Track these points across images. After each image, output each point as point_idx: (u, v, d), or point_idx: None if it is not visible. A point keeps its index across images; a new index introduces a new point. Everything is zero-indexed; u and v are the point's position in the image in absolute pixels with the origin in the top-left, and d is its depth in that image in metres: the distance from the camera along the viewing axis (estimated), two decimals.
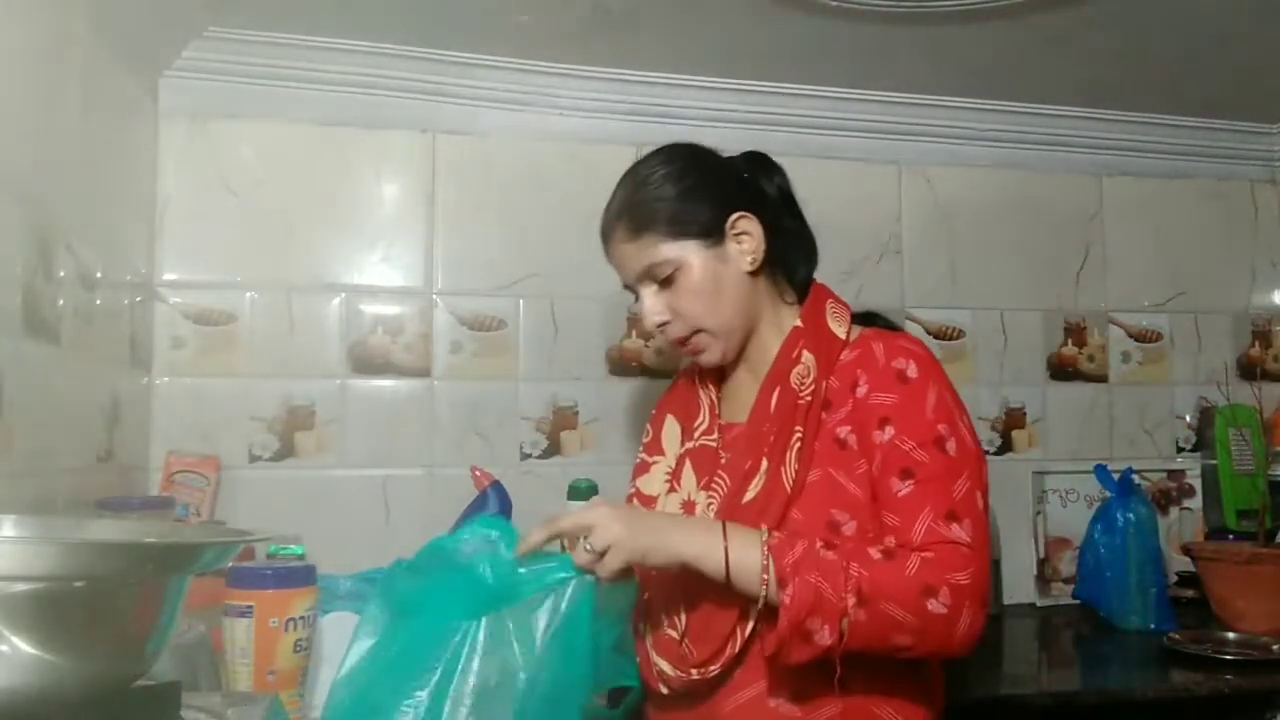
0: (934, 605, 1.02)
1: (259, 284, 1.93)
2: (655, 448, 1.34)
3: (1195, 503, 2.31)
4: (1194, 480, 2.32)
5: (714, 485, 1.21)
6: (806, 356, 1.18)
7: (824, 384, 1.16)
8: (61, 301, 1.38)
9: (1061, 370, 2.33)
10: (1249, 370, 2.41)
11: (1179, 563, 2.11)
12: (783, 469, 1.13)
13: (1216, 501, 2.25)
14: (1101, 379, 2.35)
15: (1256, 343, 2.46)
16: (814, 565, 1.02)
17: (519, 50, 1.97)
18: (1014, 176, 2.32)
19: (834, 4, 1.74)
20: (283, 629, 1.24)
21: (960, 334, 2.27)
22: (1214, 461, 2.26)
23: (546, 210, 2.06)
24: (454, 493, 1.89)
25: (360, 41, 1.92)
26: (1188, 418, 2.39)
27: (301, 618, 1.26)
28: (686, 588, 1.15)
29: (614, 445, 2.07)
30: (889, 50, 1.95)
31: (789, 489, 1.12)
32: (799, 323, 1.23)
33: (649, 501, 1.29)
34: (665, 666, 1.18)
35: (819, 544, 1.05)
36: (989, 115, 2.26)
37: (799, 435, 1.14)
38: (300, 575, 1.29)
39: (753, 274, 1.23)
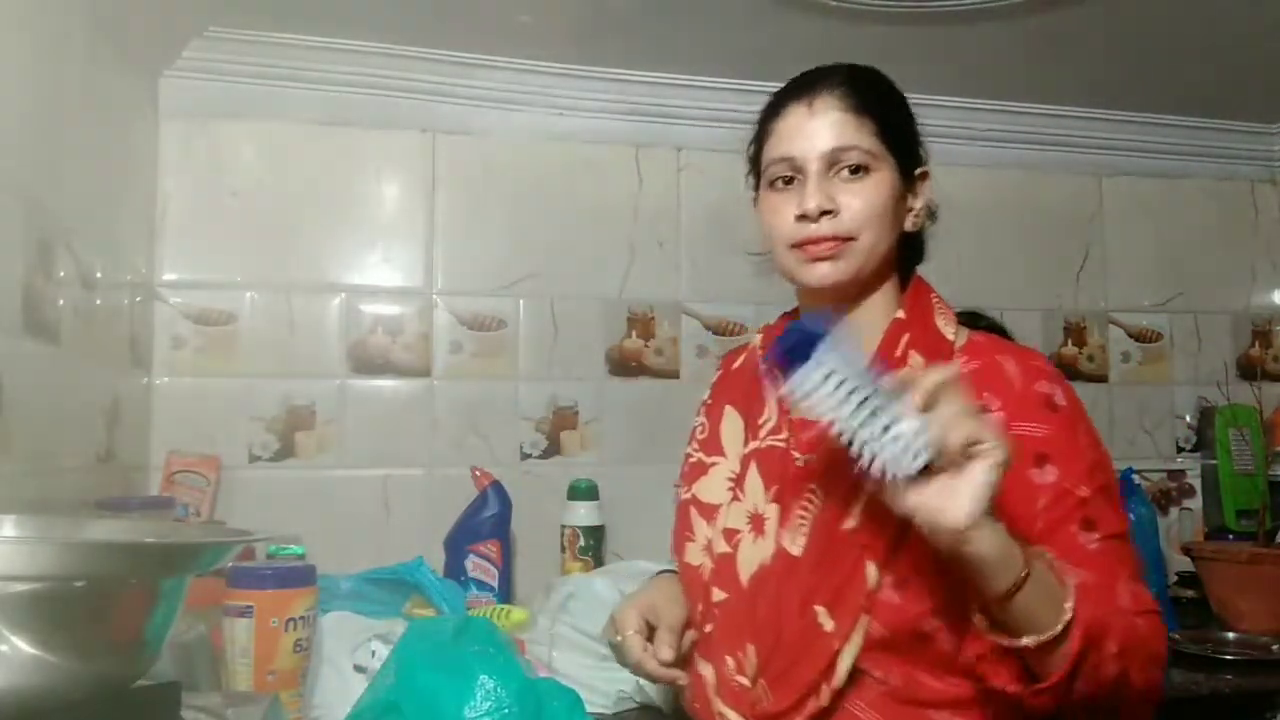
0: (1156, 675, 0.92)
1: (259, 284, 1.93)
2: (714, 445, 1.14)
3: (1195, 503, 2.30)
4: (1194, 480, 2.32)
5: (805, 502, 1.01)
6: (915, 359, 1.02)
7: None
8: (61, 301, 1.38)
9: (1061, 370, 2.32)
10: (1249, 370, 2.41)
11: (1179, 563, 2.11)
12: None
13: (1216, 501, 2.25)
14: (1101, 379, 2.35)
15: (1256, 343, 2.45)
16: (1105, 624, 0.87)
17: (519, 50, 1.97)
18: (1014, 176, 2.32)
19: (834, 4, 1.74)
20: (283, 629, 1.23)
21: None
22: (1214, 461, 2.25)
23: (546, 210, 2.06)
24: (454, 493, 1.89)
25: (360, 41, 1.92)
26: (1188, 418, 2.39)
27: (301, 618, 1.26)
28: (763, 617, 0.99)
29: (614, 445, 2.07)
30: (889, 50, 1.93)
31: (899, 520, 0.91)
32: (900, 313, 1.07)
33: (711, 511, 1.09)
34: (733, 717, 1.00)
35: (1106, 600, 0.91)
36: (989, 115, 2.26)
37: None
38: (300, 575, 1.29)
39: (903, 233, 1.09)
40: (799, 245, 1.04)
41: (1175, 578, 2.12)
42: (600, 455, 2.05)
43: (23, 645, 0.70)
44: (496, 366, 2.02)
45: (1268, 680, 1.57)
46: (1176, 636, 1.75)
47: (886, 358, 1.02)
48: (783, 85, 1.13)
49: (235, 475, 1.87)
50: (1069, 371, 2.33)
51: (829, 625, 0.95)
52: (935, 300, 1.10)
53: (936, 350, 1.03)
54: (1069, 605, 0.85)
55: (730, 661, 1.01)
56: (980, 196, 2.30)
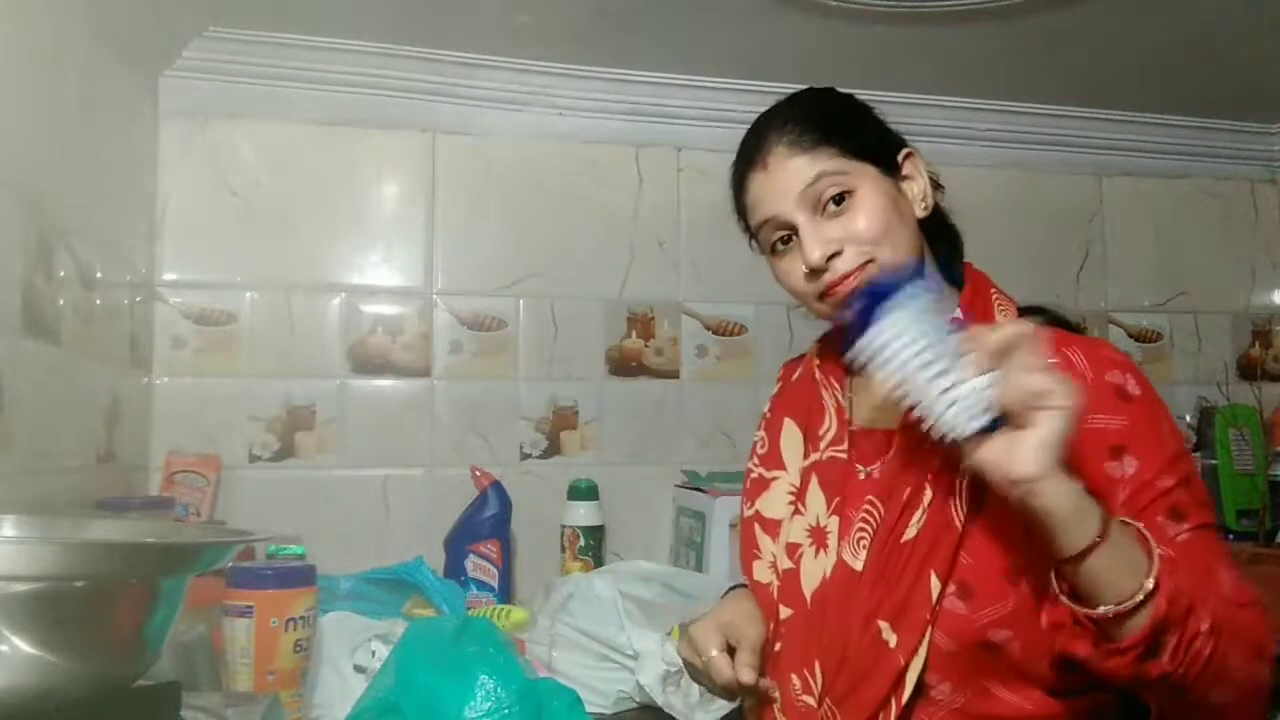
0: (1260, 667, 0.86)
1: (259, 284, 1.93)
2: (774, 460, 1.11)
3: None
4: None
5: (865, 514, 0.98)
6: None
7: None
8: (61, 301, 1.37)
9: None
10: (1249, 370, 2.41)
11: None
12: (953, 501, 0.92)
13: (1217, 501, 2.25)
14: None
15: (1256, 343, 2.45)
16: (1175, 571, 0.82)
17: (519, 50, 1.97)
18: (1014, 176, 2.32)
19: (834, 4, 1.74)
20: (283, 629, 1.24)
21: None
22: (1214, 461, 2.25)
23: (546, 210, 2.06)
24: (454, 493, 1.89)
25: (360, 41, 1.92)
26: (1188, 418, 2.39)
27: (301, 618, 1.26)
28: (828, 634, 0.97)
29: (614, 445, 2.07)
30: (889, 50, 1.95)
31: (960, 527, 0.91)
32: (958, 312, 1.02)
33: (774, 527, 1.07)
34: None
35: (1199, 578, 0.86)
36: (989, 115, 2.26)
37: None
38: (300, 575, 1.29)
39: (920, 222, 1.04)
40: (824, 295, 1.01)
41: None
42: (600, 455, 2.05)
43: (23, 645, 0.70)
44: (496, 366, 2.02)
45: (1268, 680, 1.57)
46: None
47: None
48: (736, 154, 1.09)
49: (235, 475, 1.87)
50: None
51: (893, 641, 0.92)
52: (995, 295, 1.06)
53: None
54: (1152, 576, 0.80)
55: (796, 681, 0.99)
56: (980, 196, 2.30)
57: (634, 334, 2.10)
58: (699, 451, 2.10)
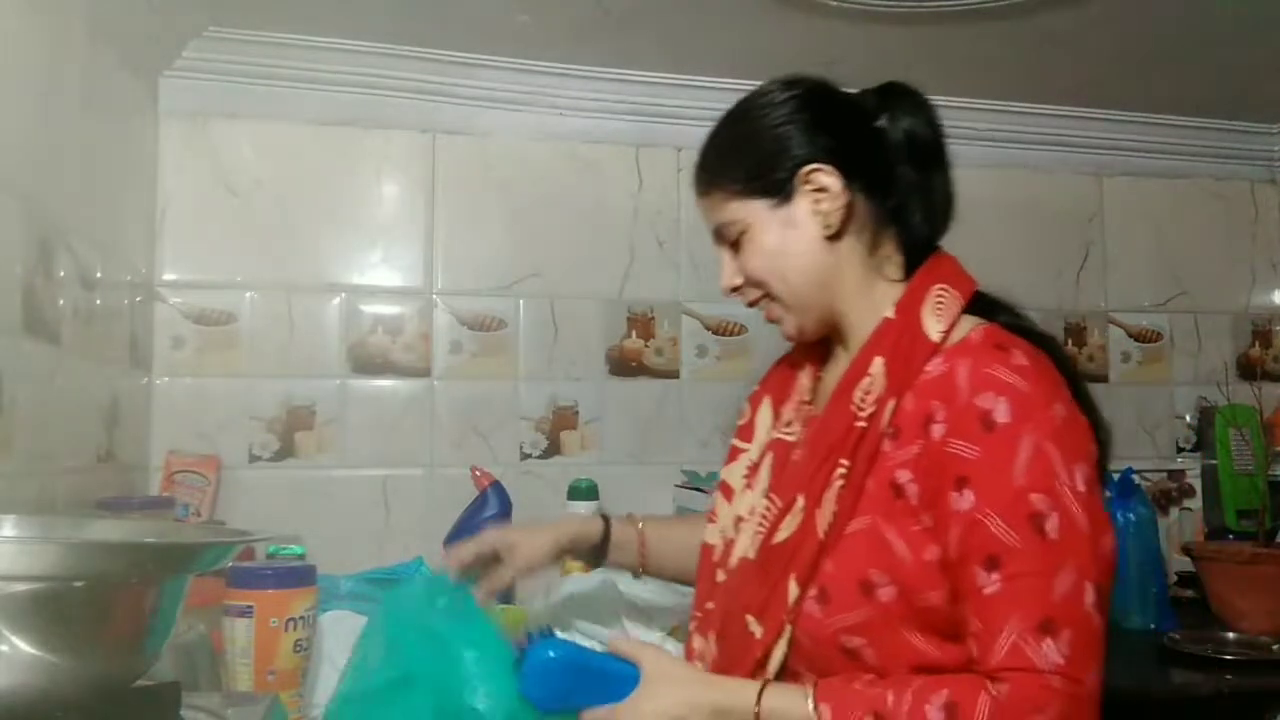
0: None
1: (259, 284, 1.93)
2: (747, 432, 1.17)
3: (1195, 503, 2.30)
4: (1194, 480, 2.32)
5: (765, 509, 1.03)
6: (876, 365, 0.97)
7: (892, 404, 0.94)
8: (61, 301, 1.37)
9: None
10: (1249, 370, 2.41)
11: (1179, 563, 2.11)
12: (818, 512, 0.95)
13: (1216, 501, 2.25)
14: (1101, 379, 2.35)
15: (1256, 343, 2.46)
16: None
17: (519, 50, 1.97)
18: (1014, 176, 2.32)
19: (834, 4, 1.74)
20: (283, 629, 1.23)
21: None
22: (1214, 461, 2.25)
23: (546, 210, 2.06)
24: (454, 493, 1.89)
25: (360, 41, 1.92)
26: (1188, 418, 2.39)
27: (301, 618, 1.26)
28: (721, 612, 1.06)
29: (614, 445, 2.07)
30: (889, 50, 1.94)
31: (821, 537, 0.94)
32: (891, 311, 1.00)
33: (730, 494, 1.13)
34: None
35: (870, 716, 0.87)
36: (989, 115, 2.26)
37: (843, 472, 0.94)
38: (300, 575, 1.29)
39: (832, 238, 1.02)
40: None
41: (1175, 578, 2.12)
42: (600, 455, 2.05)
43: (23, 645, 0.70)
44: (496, 366, 2.02)
45: (1268, 680, 1.57)
46: (1177, 636, 1.75)
47: (857, 365, 1.00)
48: None
49: (235, 475, 1.87)
50: None
51: (757, 631, 0.97)
52: (937, 291, 1.00)
53: (909, 352, 0.96)
54: None
55: (701, 640, 1.08)
56: (980, 196, 2.29)
57: (634, 334, 2.10)
58: (699, 451, 2.09)
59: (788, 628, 0.95)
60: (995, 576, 0.87)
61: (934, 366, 0.94)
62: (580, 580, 1.58)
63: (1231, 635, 1.76)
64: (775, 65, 2.04)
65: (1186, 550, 1.96)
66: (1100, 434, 0.96)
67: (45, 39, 1.33)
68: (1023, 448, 0.88)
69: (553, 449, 2.04)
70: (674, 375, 2.11)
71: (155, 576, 0.80)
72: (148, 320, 1.85)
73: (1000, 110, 2.26)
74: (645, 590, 1.56)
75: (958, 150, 2.53)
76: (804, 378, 1.13)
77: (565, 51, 1.98)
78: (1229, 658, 1.64)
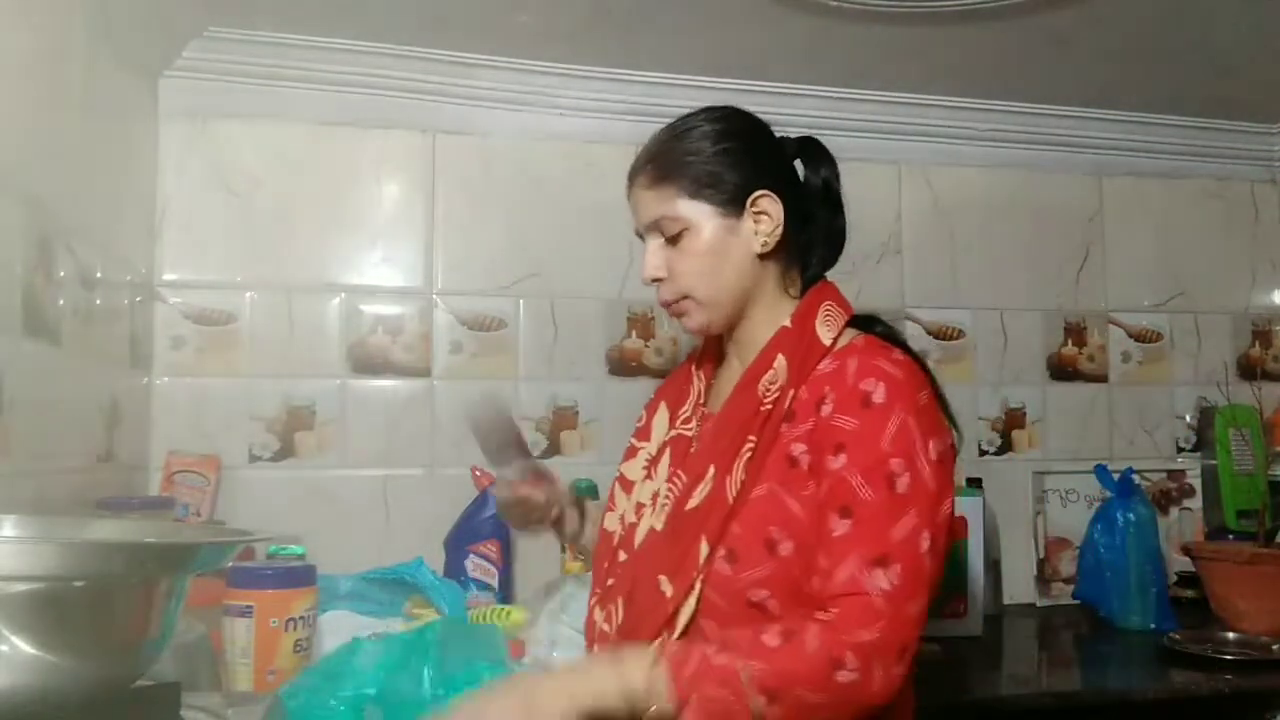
0: (843, 675, 0.96)
1: (259, 284, 1.93)
2: (644, 433, 1.31)
3: (1195, 503, 2.31)
4: (1194, 480, 2.32)
5: (673, 481, 1.18)
6: (780, 361, 1.14)
7: (791, 393, 1.11)
8: (61, 301, 1.38)
9: (1061, 370, 2.33)
10: (1249, 370, 2.41)
11: (1179, 563, 2.11)
12: (728, 479, 1.09)
13: (1216, 501, 2.25)
14: (1101, 379, 2.35)
15: (1256, 343, 2.45)
16: (710, 676, 0.96)
17: (519, 50, 1.97)
18: (1014, 176, 2.32)
19: (834, 4, 1.74)
20: (283, 629, 1.24)
21: (960, 334, 2.27)
22: (1214, 461, 2.26)
23: (546, 210, 2.06)
24: (454, 493, 1.89)
25: (360, 41, 1.92)
26: (1188, 418, 2.39)
27: (301, 618, 1.26)
28: (631, 579, 1.16)
29: (614, 445, 2.05)
30: (889, 50, 1.95)
31: (730, 501, 1.08)
32: (788, 321, 1.18)
33: (630, 487, 1.26)
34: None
35: (712, 649, 0.98)
36: (989, 115, 2.26)
37: (751, 445, 1.09)
38: (300, 575, 1.29)
39: (762, 256, 1.17)
40: (660, 303, 1.23)
41: (1175, 578, 2.12)
42: (600, 455, 2.05)
43: (23, 645, 0.70)
44: (496, 366, 2.02)
45: (1268, 680, 1.57)
46: (1177, 636, 1.75)
47: (764, 360, 1.15)
48: None
49: (235, 475, 1.87)
50: (1069, 372, 2.33)
51: (669, 591, 1.08)
52: (825, 306, 1.18)
53: (806, 353, 1.13)
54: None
55: (602, 612, 1.19)
56: (980, 196, 2.30)
57: (634, 334, 2.10)
58: None
59: (698, 585, 1.07)
60: (846, 522, 1.02)
61: (825, 365, 1.12)
62: (580, 580, 1.58)
63: (1231, 635, 1.76)
64: (775, 65, 2.05)
65: (1186, 550, 1.96)
66: (954, 425, 1.14)
67: (45, 39, 1.33)
68: (891, 422, 1.05)
69: (553, 449, 2.04)
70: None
71: (155, 576, 0.80)
72: (148, 320, 1.85)
73: (1000, 110, 2.26)
74: None
75: (958, 150, 2.53)
76: (698, 384, 1.28)
77: (565, 51, 1.98)
78: (1229, 658, 1.64)
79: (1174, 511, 2.30)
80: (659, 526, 1.16)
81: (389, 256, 1.99)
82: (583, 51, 1.98)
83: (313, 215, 1.96)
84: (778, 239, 1.17)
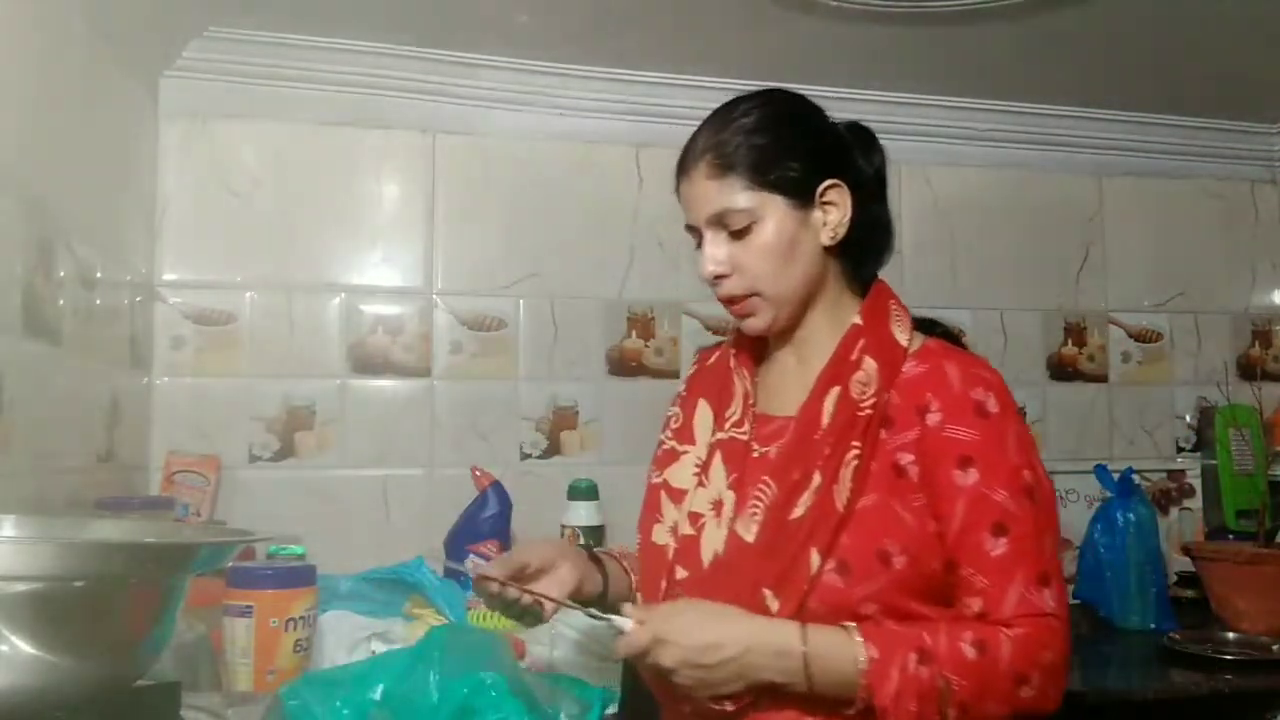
0: (1025, 691, 0.99)
1: (259, 284, 1.93)
2: (686, 435, 1.21)
3: (1195, 503, 2.30)
4: (1194, 480, 2.32)
5: (759, 492, 1.08)
6: (869, 363, 1.08)
7: (885, 397, 1.06)
8: (61, 301, 1.38)
9: (1061, 370, 2.33)
10: (1249, 370, 2.41)
11: (1179, 563, 2.11)
12: (835, 488, 1.03)
13: (1216, 501, 2.25)
14: (1101, 379, 2.35)
15: (1256, 343, 2.45)
16: (911, 689, 0.97)
17: (520, 50, 1.97)
18: (1014, 176, 2.32)
19: (834, 4, 1.74)
20: (283, 629, 1.24)
21: (960, 334, 2.27)
22: (1214, 461, 2.25)
23: (546, 210, 2.06)
24: (454, 493, 1.89)
25: (360, 41, 1.92)
26: (1188, 418, 2.39)
27: (301, 618, 1.26)
28: (720, 596, 1.07)
29: (614, 445, 2.07)
30: (889, 50, 1.95)
31: (841, 511, 1.03)
32: (858, 319, 1.12)
33: (679, 495, 1.17)
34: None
35: (913, 658, 0.97)
36: (989, 115, 2.26)
37: (856, 452, 1.04)
38: (300, 575, 1.29)
39: (828, 250, 1.12)
40: (720, 301, 1.15)
41: (1175, 578, 2.12)
42: (600, 455, 2.05)
43: (23, 645, 0.70)
44: (496, 366, 2.02)
45: (1268, 680, 1.57)
46: (1177, 636, 1.75)
47: (843, 362, 1.10)
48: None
49: (235, 475, 1.87)
50: (1069, 372, 2.33)
51: (774, 606, 1.03)
52: (893, 306, 1.15)
53: (890, 355, 1.09)
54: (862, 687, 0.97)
55: None
56: (980, 196, 2.30)
57: (634, 334, 2.10)
58: None
59: (806, 597, 1.02)
60: (1003, 540, 1.01)
61: (910, 368, 1.09)
62: None
63: (1231, 635, 1.76)
64: (775, 65, 2.05)
65: (1186, 550, 1.96)
66: None
67: (45, 39, 1.33)
68: (1011, 431, 1.06)
69: (553, 449, 2.04)
70: (674, 375, 2.11)
71: (155, 576, 0.80)
72: (148, 320, 1.85)
73: (1000, 110, 2.26)
74: None
75: (958, 150, 2.54)
76: (741, 381, 1.19)
77: (565, 51, 1.98)
78: (1229, 658, 1.64)
79: (1174, 511, 2.30)
80: (749, 537, 1.07)
81: (389, 256, 1.99)
82: (583, 51, 1.98)
83: (313, 215, 1.96)
84: (845, 231, 1.11)
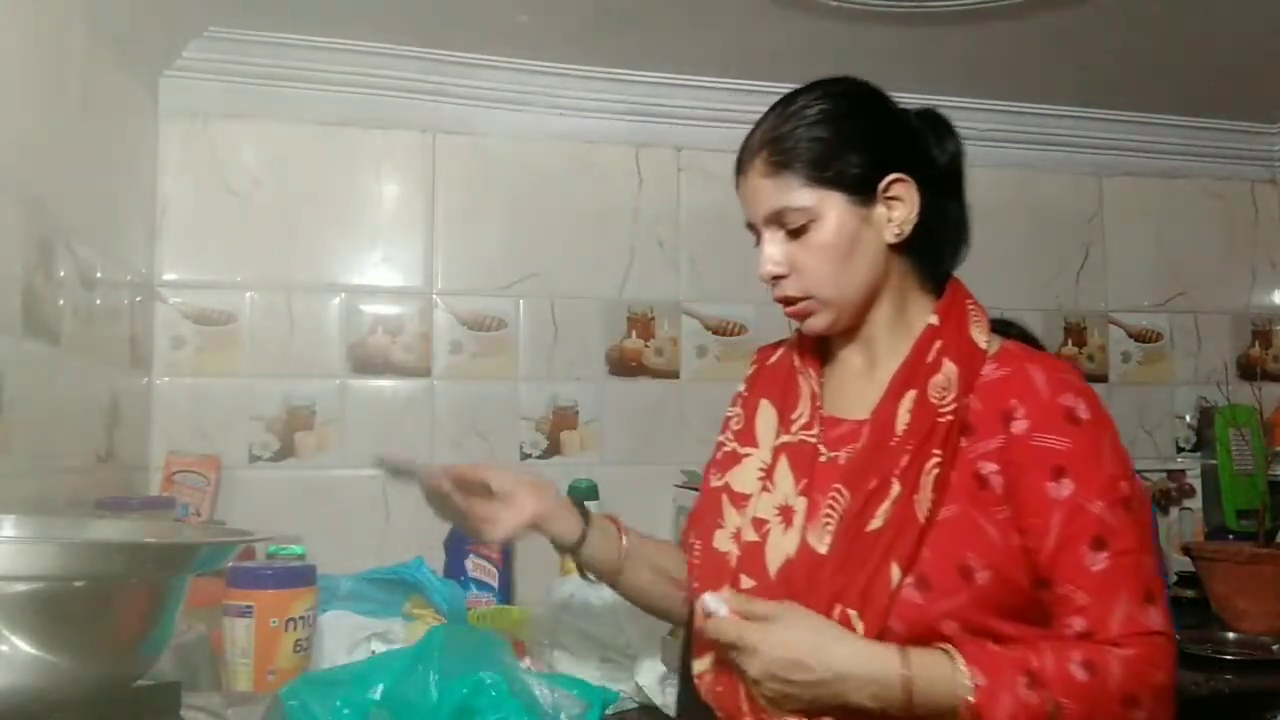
0: (1137, 714, 0.95)
1: (259, 284, 1.93)
2: (748, 437, 1.15)
3: (1195, 503, 2.30)
4: (1194, 480, 2.32)
5: (832, 500, 1.02)
6: (948, 366, 1.03)
7: (964, 402, 1.01)
8: (61, 301, 1.38)
9: None
10: (1249, 370, 2.41)
11: (1179, 563, 2.11)
12: (916, 497, 0.98)
13: (1216, 501, 2.24)
14: (1101, 379, 2.35)
15: (1256, 343, 2.46)
16: (1025, 718, 0.92)
17: (519, 50, 1.97)
18: (1014, 176, 2.32)
19: (834, 4, 1.74)
20: (283, 629, 1.24)
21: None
22: (1214, 461, 2.25)
23: (546, 210, 2.06)
24: None
25: (360, 41, 1.92)
26: (1188, 418, 2.39)
27: (301, 618, 1.26)
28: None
29: (614, 445, 2.07)
30: (889, 50, 1.94)
31: (923, 522, 0.97)
32: (934, 319, 1.07)
33: (742, 500, 1.11)
34: (761, 701, 1.01)
35: (1022, 681, 0.92)
36: (989, 115, 2.26)
37: (938, 460, 0.98)
38: (300, 575, 1.29)
39: (893, 248, 1.06)
40: (777, 301, 1.10)
41: (1175, 578, 2.12)
42: (600, 455, 2.05)
43: (23, 645, 0.70)
44: (496, 366, 2.02)
45: (1268, 680, 1.57)
46: (1177, 636, 1.75)
47: (919, 364, 1.04)
48: None
49: (235, 475, 1.87)
50: None
51: (860, 627, 0.97)
52: (970, 306, 1.09)
53: (970, 357, 1.04)
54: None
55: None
56: (980, 196, 2.27)
57: (634, 334, 2.10)
58: (699, 451, 2.08)
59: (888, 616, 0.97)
60: (1103, 555, 0.96)
61: (990, 372, 1.03)
62: (580, 580, 1.58)
63: (1231, 635, 1.76)
64: (775, 65, 2.05)
65: (1186, 550, 1.96)
66: None
67: (45, 39, 1.33)
68: (1105, 440, 1.01)
69: (553, 449, 2.04)
70: (674, 375, 2.11)
71: (155, 576, 0.80)
72: (148, 320, 1.85)
73: (1000, 110, 2.26)
74: None
75: None
76: (807, 382, 1.13)
77: (565, 51, 1.98)
78: (1229, 658, 1.64)
79: (1174, 511, 2.30)
80: (821, 548, 1.01)
81: (389, 256, 1.99)
82: (583, 51, 1.98)
83: (313, 215, 1.96)
84: (912, 228, 1.06)
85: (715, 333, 2.13)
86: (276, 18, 1.82)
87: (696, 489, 1.89)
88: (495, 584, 1.80)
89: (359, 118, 1.98)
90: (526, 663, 1.39)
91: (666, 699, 1.34)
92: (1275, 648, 1.67)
